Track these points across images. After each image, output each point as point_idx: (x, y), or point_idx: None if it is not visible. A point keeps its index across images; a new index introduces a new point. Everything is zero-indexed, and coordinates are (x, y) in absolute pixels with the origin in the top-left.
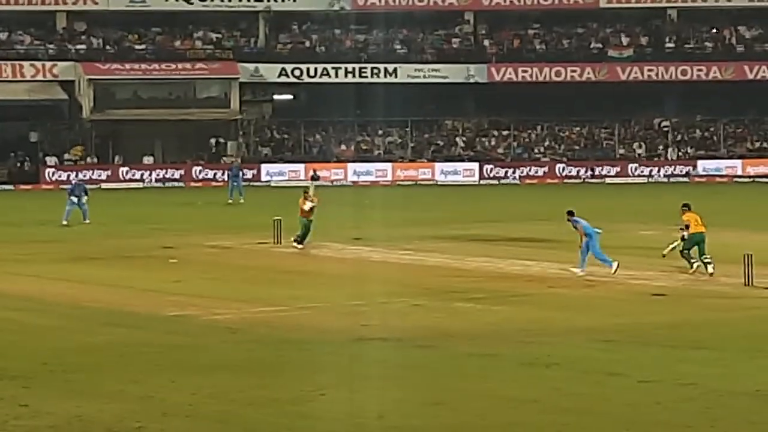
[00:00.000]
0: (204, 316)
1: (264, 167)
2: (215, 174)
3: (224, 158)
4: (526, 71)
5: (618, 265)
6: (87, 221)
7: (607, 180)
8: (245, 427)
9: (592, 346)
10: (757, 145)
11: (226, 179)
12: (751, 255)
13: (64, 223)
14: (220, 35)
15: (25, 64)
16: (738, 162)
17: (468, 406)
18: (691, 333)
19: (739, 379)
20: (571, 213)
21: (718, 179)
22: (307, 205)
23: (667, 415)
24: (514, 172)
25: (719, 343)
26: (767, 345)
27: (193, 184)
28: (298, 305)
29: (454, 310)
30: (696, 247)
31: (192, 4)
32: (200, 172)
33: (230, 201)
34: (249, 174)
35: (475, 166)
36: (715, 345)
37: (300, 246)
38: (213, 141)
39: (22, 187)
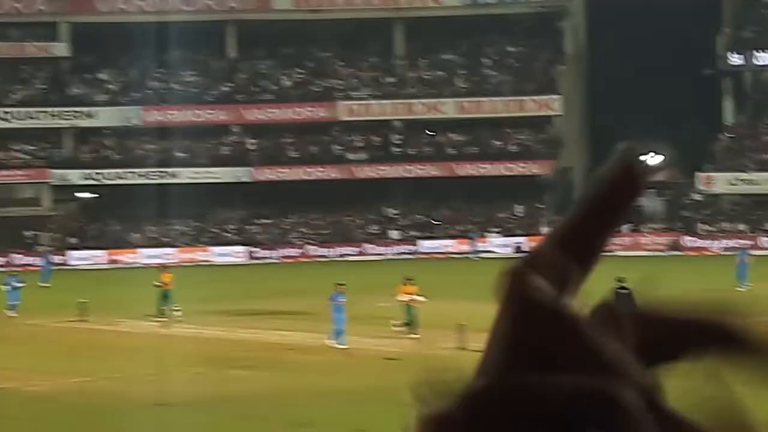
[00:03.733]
0: (22, 387)
1: (71, 254)
2: (32, 260)
3: (38, 247)
4: (283, 172)
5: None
6: None
7: (349, 258)
8: None
9: (341, 405)
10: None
11: (39, 265)
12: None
13: None
14: (34, 147)
15: None
16: (451, 241)
17: None
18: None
19: None
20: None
21: (437, 255)
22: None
23: None
24: (275, 254)
25: None
26: None
27: (13, 269)
28: (101, 375)
29: (228, 377)
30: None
31: (10, 122)
32: (20, 259)
33: (45, 284)
34: (58, 259)
35: (244, 249)
36: None
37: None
38: (29, 233)
39: None
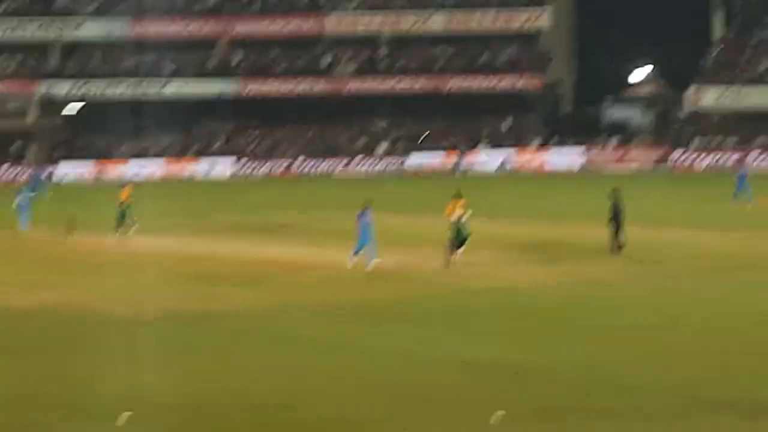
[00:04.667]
0: (4, 303)
1: (58, 166)
2: (18, 173)
3: (25, 160)
4: (269, 86)
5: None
6: None
7: (336, 173)
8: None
9: (324, 321)
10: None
11: (28, 177)
12: None
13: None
14: (20, 59)
15: None
16: (438, 156)
17: (226, 376)
18: (403, 308)
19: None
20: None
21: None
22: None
23: (381, 378)
24: (262, 167)
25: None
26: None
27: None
28: (87, 291)
29: (215, 293)
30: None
31: None
32: (6, 170)
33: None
34: (46, 172)
35: (231, 162)
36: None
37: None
38: (16, 146)
39: None
